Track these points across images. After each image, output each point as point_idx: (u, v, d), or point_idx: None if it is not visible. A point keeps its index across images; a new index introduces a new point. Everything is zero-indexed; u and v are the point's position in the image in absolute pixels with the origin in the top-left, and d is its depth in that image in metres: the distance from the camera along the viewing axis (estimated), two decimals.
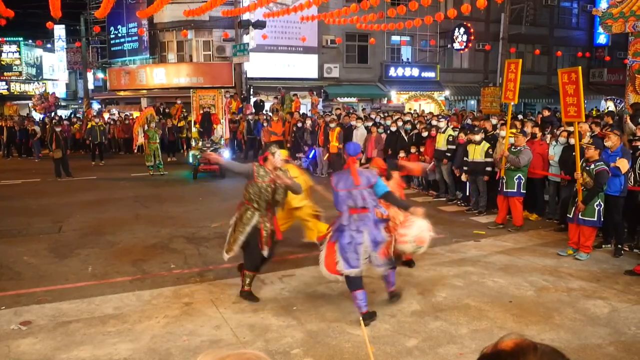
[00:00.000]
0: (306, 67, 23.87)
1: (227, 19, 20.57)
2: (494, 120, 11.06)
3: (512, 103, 8.80)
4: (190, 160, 13.72)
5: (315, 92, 21.84)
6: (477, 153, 9.24)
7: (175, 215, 9.31)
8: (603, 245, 7.31)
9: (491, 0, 14.55)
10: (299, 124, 15.35)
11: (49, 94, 26.53)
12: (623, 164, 6.82)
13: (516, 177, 8.22)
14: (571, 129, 8.42)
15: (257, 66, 22.59)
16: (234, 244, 5.40)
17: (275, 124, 16.35)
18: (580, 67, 7.07)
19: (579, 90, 6.91)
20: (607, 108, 17.54)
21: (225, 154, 13.97)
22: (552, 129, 9.88)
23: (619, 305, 5.31)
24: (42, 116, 24.05)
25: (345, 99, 24.37)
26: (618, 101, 22.89)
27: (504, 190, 8.33)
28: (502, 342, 1.05)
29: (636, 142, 7.57)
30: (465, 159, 9.53)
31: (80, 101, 32.07)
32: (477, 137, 9.29)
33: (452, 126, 11.06)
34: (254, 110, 19.53)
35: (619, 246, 7.06)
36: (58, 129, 14.20)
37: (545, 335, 4.58)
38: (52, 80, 34.37)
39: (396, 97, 25.48)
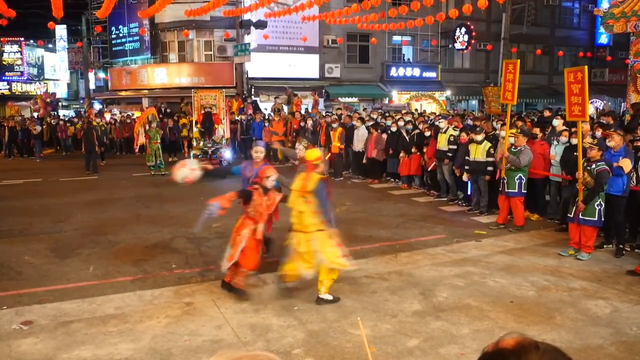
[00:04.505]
0: (307, 67, 23.87)
1: (229, 19, 20.57)
2: (495, 125, 11.04)
3: (512, 104, 8.79)
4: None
5: (317, 92, 21.80)
6: (478, 152, 9.23)
7: (176, 215, 9.31)
8: (604, 245, 7.30)
9: (492, 0, 14.54)
10: (302, 124, 15.34)
11: (41, 95, 26.36)
12: (626, 164, 6.79)
13: (517, 177, 8.22)
14: (570, 127, 8.42)
15: (259, 66, 22.60)
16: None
17: (276, 124, 16.36)
18: (586, 67, 7.05)
19: (584, 90, 6.89)
20: None
21: (227, 154, 13.98)
22: (552, 129, 9.84)
23: (621, 305, 5.30)
24: (35, 113, 24.04)
25: (347, 99, 24.36)
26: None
27: (505, 190, 8.32)
28: (503, 340, 1.04)
29: (637, 143, 7.55)
30: (467, 158, 9.52)
31: (81, 101, 32.09)
32: (479, 137, 9.28)
33: (453, 125, 11.04)
34: (251, 111, 19.53)
35: (621, 246, 7.04)
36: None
37: (547, 335, 4.56)
38: (54, 80, 34.37)
39: (397, 97, 25.46)
